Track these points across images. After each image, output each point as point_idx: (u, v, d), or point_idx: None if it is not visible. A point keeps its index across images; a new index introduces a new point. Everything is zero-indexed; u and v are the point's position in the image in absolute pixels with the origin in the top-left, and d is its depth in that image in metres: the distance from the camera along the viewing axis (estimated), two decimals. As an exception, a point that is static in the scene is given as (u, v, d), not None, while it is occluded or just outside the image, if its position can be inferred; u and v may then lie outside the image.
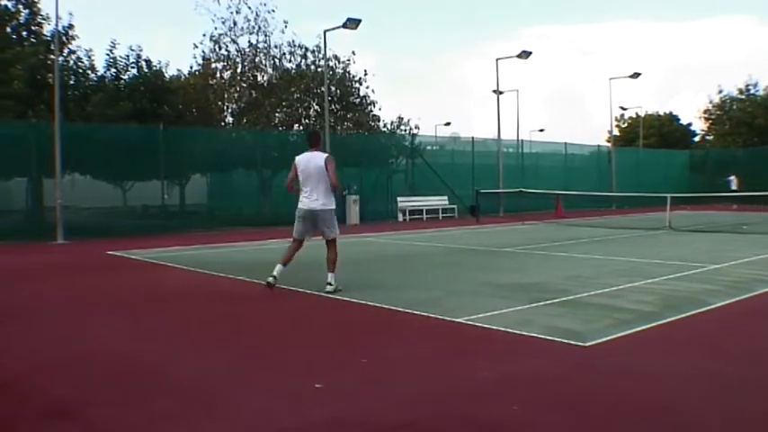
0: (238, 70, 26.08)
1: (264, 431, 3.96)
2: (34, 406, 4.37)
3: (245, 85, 26.11)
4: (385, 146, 26.92)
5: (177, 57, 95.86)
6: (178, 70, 27.26)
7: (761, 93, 40.75)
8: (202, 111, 25.15)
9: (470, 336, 6.19)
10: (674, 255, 12.07)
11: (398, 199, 25.34)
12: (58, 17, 18.10)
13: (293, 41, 26.74)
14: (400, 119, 27.20)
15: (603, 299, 7.72)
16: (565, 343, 5.69)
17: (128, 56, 22.90)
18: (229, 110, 26.65)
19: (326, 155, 8.31)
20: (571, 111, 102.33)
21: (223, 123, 26.40)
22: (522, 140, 33.29)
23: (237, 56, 26.01)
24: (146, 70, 22.95)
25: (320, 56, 25.51)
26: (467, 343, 5.97)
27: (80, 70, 22.11)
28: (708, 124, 44.52)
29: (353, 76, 27.04)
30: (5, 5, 21.14)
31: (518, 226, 21.05)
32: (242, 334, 6.55)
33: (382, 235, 18.05)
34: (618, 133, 44.99)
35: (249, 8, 26.29)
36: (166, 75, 24.44)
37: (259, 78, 26.33)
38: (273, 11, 29.26)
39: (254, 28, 26.04)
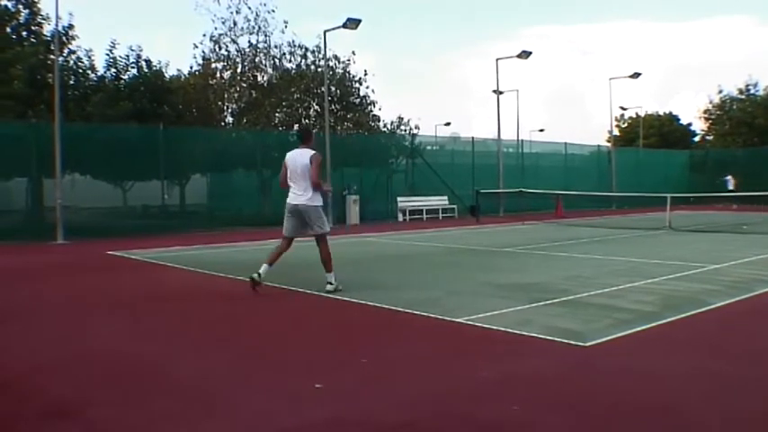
0: (238, 70, 26.09)
1: (264, 431, 3.96)
2: (34, 406, 4.37)
3: (245, 85, 26.12)
4: (385, 146, 26.93)
5: (177, 57, 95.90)
6: (178, 70, 27.32)
7: (761, 93, 40.78)
8: (202, 111, 25.16)
9: (470, 336, 6.19)
10: (674, 255, 12.07)
11: (398, 199, 25.35)
12: (57, 17, 18.14)
13: (293, 41, 26.78)
14: (400, 119, 27.24)
15: (603, 299, 7.72)
16: (565, 343, 5.69)
17: (128, 56, 22.95)
18: (229, 110, 26.67)
19: (313, 152, 8.21)
20: (571, 111, 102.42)
21: (223, 123, 26.40)
22: (522, 140, 33.33)
23: (237, 56, 26.03)
24: (146, 70, 22.97)
25: (320, 56, 25.53)
26: (467, 343, 5.97)
27: (80, 70, 22.12)
28: (708, 124, 44.54)
29: (353, 77, 27.07)
30: (5, 5, 21.15)
31: (518, 226, 21.05)
32: (242, 334, 6.55)
33: (382, 235, 18.05)
34: (618, 133, 45.00)
35: (249, 8, 26.39)
36: (166, 75, 24.47)
37: (259, 78, 26.34)
38: (273, 11, 29.30)
39: (254, 28, 26.08)
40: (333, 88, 25.49)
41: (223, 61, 26.09)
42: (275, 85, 25.86)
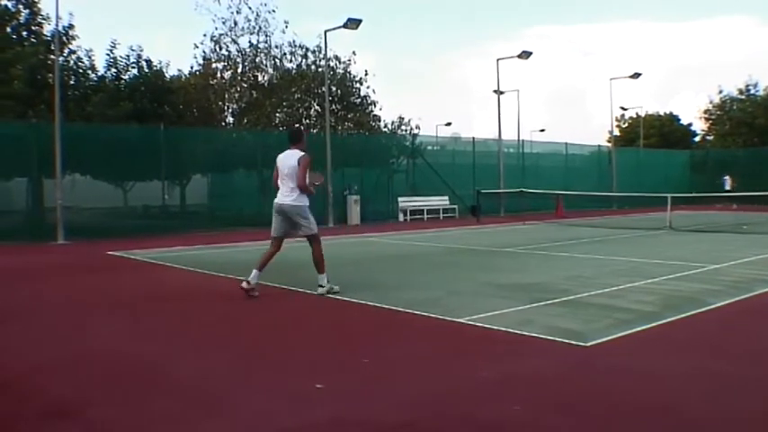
0: (239, 70, 26.12)
1: (265, 431, 3.96)
2: (34, 406, 4.37)
3: (245, 85, 26.15)
4: (386, 146, 26.93)
5: (178, 57, 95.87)
6: (179, 70, 27.34)
7: (761, 93, 40.76)
8: (203, 111, 25.18)
9: (471, 336, 6.19)
10: (675, 255, 12.07)
11: (399, 199, 25.35)
12: (58, 17, 18.13)
13: (294, 41, 26.83)
14: (401, 119, 27.26)
15: (604, 299, 7.72)
16: (565, 343, 5.69)
17: (128, 56, 22.97)
18: (230, 110, 26.70)
19: (302, 154, 8.11)
20: (572, 111, 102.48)
21: (224, 123, 26.42)
22: (523, 140, 33.31)
23: (238, 56, 26.07)
24: (146, 70, 22.98)
25: (321, 56, 25.58)
26: (467, 343, 5.97)
27: (80, 70, 22.12)
28: (708, 124, 44.53)
29: (354, 77, 27.09)
30: (5, 5, 21.15)
31: (519, 226, 21.04)
32: (242, 334, 6.55)
33: (383, 235, 18.05)
34: (618, 133, 45.00)
35: (250, 8, 26.37)
36: (167, 75, 24.48)
37: (260, 78, 26.36)
38: (274, 11, 29.38)
39: (254, 28, 26.13)
40: (333, 88, 25.51)
41: (224, 61, 26.14)
42: (276, 86, 25.88)
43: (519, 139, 33.50)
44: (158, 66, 23.54)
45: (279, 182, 8.25)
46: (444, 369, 5.13)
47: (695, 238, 16.04)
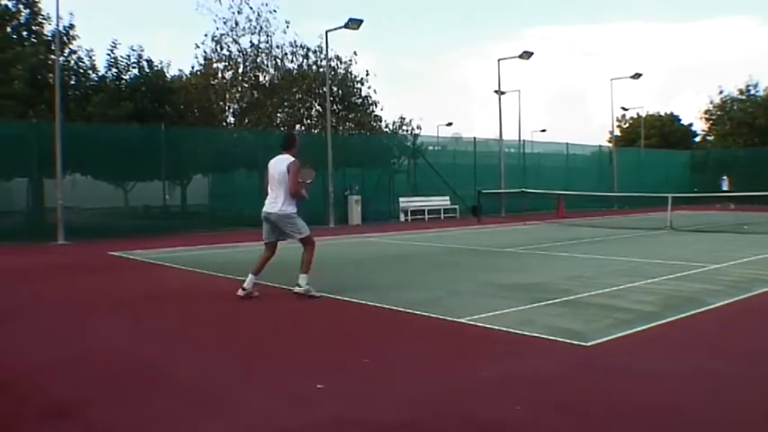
0: (240, 70, 26.13)
1: (265, 431, 3.96)
2: (34, 406, 4.38)
3: (246, 85, 26.16)
4: (387, 146, 26.93)
5: (179, 57, 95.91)
6: (179, 70, 27.34)
7: (761, 93, 40.75)
8: (204, 111, 25.17)
9: (472, 336, 6.19)
10: (675, 255, 12.07)
11: (400, 199, 25.35)
12: (58, 17, 18.12)
13: (295, 42, 26.84)
14: (402, 119, 27.27)
15: (604, 299, 7.72)
16: (566, 343, 5.69)
17: (129, 56, 22.97)
18: (231, 110, 26.71)
19: (292, 159, 8.04)
20: (573, 111, 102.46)
21: (225, 123, 26.43)
22: (524, 141, 33.32)
23: (239, 56, 26.08)
24: (147, 70, 22.98)
25: (322, 56, 25.58)
26: (468, 343, 5.97)
27: (81, 70, 22.11)
28: (708, 125, 44.52)
29: (355, 77, 27.09)
30: (6, 5, 21.14)
31: (519, 226, 21.04)
32: (242, 334, 6.55)
33: (384, 235, 18.05)
34: (619, 133, 45.00)
35: (251, 8, 26.36)
36: (168, 75, 24.47)
37: (261, 78, 26.37)
38: (275, 11, 29.32)
39: (255, 28, 26.15)
40: (334, 88, 25.52)
41: (225, 61, 26.15)
42: (277, 86, 25.89)
43: (520, 140, 33.53)
44: (159, 66, 23.57)
45: (268, 187, 8.22)
46: (445, 369, 5.14)
47: (695, 238, 16.03)
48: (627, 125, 48.07)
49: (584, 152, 35.33)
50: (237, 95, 26.16)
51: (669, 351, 5.61)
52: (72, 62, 21.80)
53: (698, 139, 47.86)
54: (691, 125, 48.37)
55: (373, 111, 27.45)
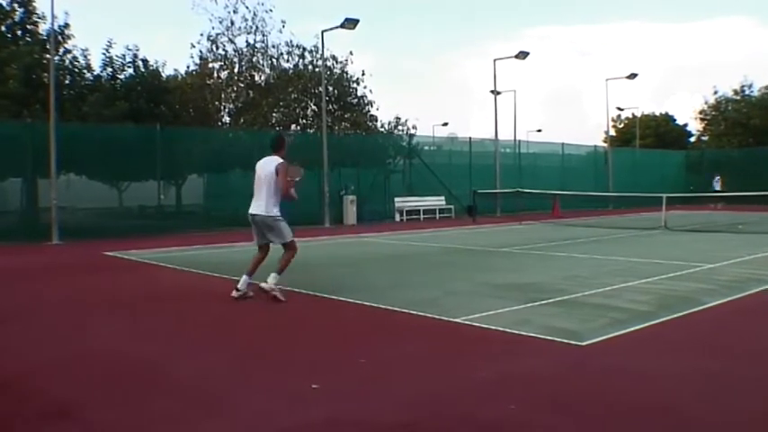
0: (236, 70, 26.11)
1: (264, 431, 3.97)
2: (33, 406, 4.38)
3: (242, 84, 26.14)
4: (382, 146, 26.94)
5: (174, 56, 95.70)
6: (175, 70, 27.31)
7: (756, 94, 40.88)
8: (199, 111, 25.14)
9: (468, 336, 6.21)
10: (670, 254, 12.11)
11: (396, 199, 25.35)
12: (53, 16, 18.11)
13: (291, 41, 26.81)
14: (398, 119, 27.29)
15: (600, 298, 7.75)
16: (562, 342, 5.72)
17: (124, 55, 22.89)
18: (226, 110, 26.68)
19: (281, 161, 8.03)
20: (568, 111, 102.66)
21: (220, 123, 26.39)
22: (520, 141, 33.38)
23: (235, 56, 26.07)
24: (142, 70, 22.92)
25: (318, 56, 25.57)
26: (464, 343, 5.99)
27: (76, 70, 22.05)
28: (703, 125, 44.63)
29: (351, 77, 27.10)
30: (0, 4, 21.08)
31: (515, 226, 21.08)
32: (239, 334, 6.56)
33: (379, 235, 18.06)
34: (614, 134, 45.09)
35: (247, 8, 26.42)
36: (163, 74, 24.43)
37: (256, 78, 26.36)
38: (271, 11, 29.34)
39: (251, 28, 26.14)
40: (330, 88, 25.52)
41: (220, 61, 26.12)
42: (273, 85, 25.88)
43: (516, 140, 33.59)
44: (155, 65, 23.52)
45: (255, 188, 8.22)
46: (441, 369, 5.15)
47: (690, 238, 16.09)
48: (622, 125, 48.15)
49: (579, 152, 35.40)
50: (233, 95, 26.14)
51: (664, 350, 5.64)
52: (67, 61, 21.73)
53: (693, 139, 47.99)
54: (686, 125, 48.53)
55: (369, 110, 27.47)
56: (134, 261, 12.67)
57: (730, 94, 41.78)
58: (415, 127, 27.50)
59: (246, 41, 26.07)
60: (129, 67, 22.85)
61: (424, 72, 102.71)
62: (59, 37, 21.11)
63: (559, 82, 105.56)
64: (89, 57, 22.42)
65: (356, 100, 27.21)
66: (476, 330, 6.31)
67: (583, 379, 4.88)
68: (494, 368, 5.13)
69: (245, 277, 8.16)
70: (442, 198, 26.54)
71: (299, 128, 26.21)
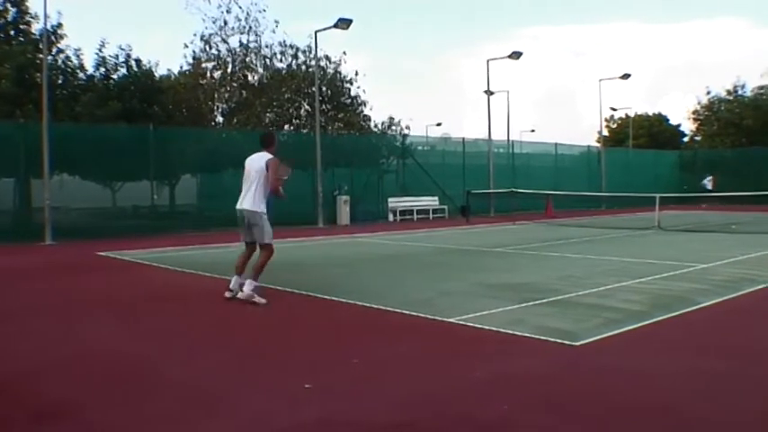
0: (229, 70, 26.04)
1: (259, 431, 3.95)
2: (29, 408, 4.34)
3: (235, 84, 26.08)
4: (376, 146, 26.91)
5: (167, 56, 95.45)
6: (168, 70, 27.17)
7: (748, 94, 41.03)
8: (192, 111, 25.07)
9: (461, 336, 6.20)
10: (664, 254, 12.13)
11: (389, 199, 25.35)
12: (46, 16, 18.06)
13: (284, 41, 26.76)
14: (391, 119, 27.25)
15: (594, 298, 7.75)
16: (556, 342, 5.72)
17: (117, 55, 22.78)
18: (220, 110, 26.61)
19: (270, 156, 8.00)
20: (562, 111, 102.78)
21: (213, 123, 26.33)
22: (513, 141, 33.41)
23: (228, 55, 26.00)
24: (135, 70, 22.83)
25: (311, 56, 25.54)
26: (458, 343, 5.98)
27: (69, 69, 21.92)
28: (696, 125, 44.77)
29: (344, 77, 27.07)
30: (-7, 4, 20.99)
31: (509, 226, 21.10)
32: (233, 335, 6.54)
33: (373, 235, 18.05)
34: (608, 134, 45.16)
35: (240, 8, 26.28)
36: (156, 74, 24.34)
37: (250, 78, 26.30)
38: (264, 11, 29.27)
39: (244, 27, 26.07)
40: (324, 88, 25.48)
41: (213, 61, 26.05)
42: (266, 85, 25.83)
43: (509, 140, 33.63)
44: (148, 65, 23.42)
45: (243, 184, 8.21)
46: (435, 369, 5.14)
47: (684, 238, 16.13)
48: (615, 125, 48.29)
49: (572, 152, 35.46)
50: (226, 95, 26.08)
51: (659, 350, 5.64)
52: (60, 61, 21.61)
53: (686, 139, 48.16)
54: (679, 125, 48.71)
55: (362, 111, 27.44)
56: (128, 261, 12.62)
57: (723, 94, 41.92)
58: (408, 127, 27.47)
59: (240, 41, 26.05)
60: (122, 66, 22.75)
61: (417, 72, 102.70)
62: (52, 37, 20.98)
63: (553, 82, 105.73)
64: (82, 57, 22.32)
65: (349, 100, 27.18)
66: (469, 330, 6.30)
67: (577, 379, 4.88)
68: (487, 368, 5.13)
69: (235, 278, 8.15)
70: (436, 198, 26.54)
71: (292, 128, 26.17)
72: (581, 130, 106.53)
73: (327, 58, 26.58)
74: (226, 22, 25.82)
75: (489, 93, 28.91)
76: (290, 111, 26.40)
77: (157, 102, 22.54)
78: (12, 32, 21.47)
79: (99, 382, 4.90)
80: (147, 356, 5.65)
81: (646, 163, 37.02)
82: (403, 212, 25.07)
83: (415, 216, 25.22)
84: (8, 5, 21.29)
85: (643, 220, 20.69)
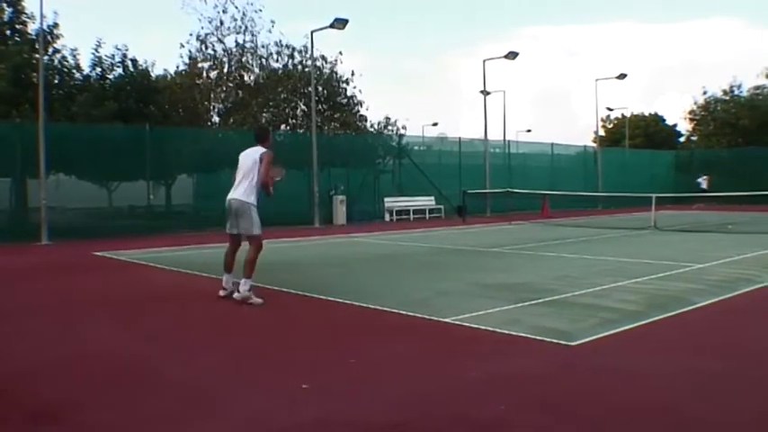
0: (225, 70, 26.02)
1: (258, 431, 3.96)
2: (24, 409, 4.33)
3: (231, 84, 26.06)
4: (372, 146, 26.92)
5: (164, 56, 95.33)
6: (164, 70, 27.16)
7: (744, 94, 41.12)
8: (189, 111, 25.04)
9: (458, 336, 6.21)
10: (660, 254, 12.15)
11: (385, 199, 25.35)
12: (42, 16, 17.97)
13: (280, 41, 26.76)
14: (387, 119, 27.26)
15: (590, 298, 7.76)
16: (552, 342, 5.72)
17: (113, 55, 22.74)
18: (216, 110, 26.59)
19: (265, 150, 7.99)
20: (558, 111, 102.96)
21: (209, 123, 26.30)
22: (509, 141, 33.44)
23: (224, 55, 25.98)
24: (132, 70, 22.80)
25: (307, 56, 25.53)
26: (454, 343, 5.99)
27: (65, 69, 21.89)
28: (693, 125, 44.83)
29: (341, 77, 27.07)
30: (-11, 4, 20.95)
31: (505, 226, 21.11)
32: (230, 335, 6.53)
33: (369, 235, 18.05)
34: (604, 134, 45.27)
35: (236, 8, 26.32)
36: (152, 74, 24.32)
37: (246, 78, 26.28)
38: (260, 10, 29.25)
39: (240, 27, 26.06)
40: (320, 88, 25.48)
41: (210, 61, 26.02)
42: (262, 85, 25.82)
43: (505, 140, 33.65)
44: (144, 65, 23.40)
45: (236, 177, 8.19)
46: (431, 369, 5.15)
47: (680, 238, 16.16)
48: (612, 125, 48.36)
49: (569, 152, 35.50)
50: (222, 95, 26.06)
51: (655, 350, 5.65)
52: (56, 61, 21.58)
53: (682, 139, 48.23)
54: (675, 125, 48.77)
55: (359, 111, 27.45)
56: (124, 261, 12.61)
57: (719, 94, 42.00)
58: (404, 127, 27.52)
59: (236, 41, 26.04)
60: (118, 66, 22.71)
61: (413, 73, 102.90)
62: (48, 37, 20.95)
63: (549, 82, 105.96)
64: (78, 56, 22.29)
65: (346, 100, 27.19)
66: (466, 330, 6.31)
67: (573, 379, 4.89)
68: (484, 368, 5.13)
69: (226, 276, 8.15)
70: (432, 198, 26.56)
71: (288, 128, 26.15)
72: (577, 130, 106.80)
73: (323, 58, 26.61)
74: (222, 22, 25.84)
75: (486, 93, 28.93)
76: (287, 111, 26.38)
77: (154, 102, 22.51)
78: (8, 32, 21.44)
79: (96, 382, 4.89)
80: (144, 356, 5.65)
81: (642, 163, 37.07)
82: (399, 212, 25.08)
83: (412, 216, 25.22)
84: (4, 5, 21.25)
85: (639, 220, 20.72)
